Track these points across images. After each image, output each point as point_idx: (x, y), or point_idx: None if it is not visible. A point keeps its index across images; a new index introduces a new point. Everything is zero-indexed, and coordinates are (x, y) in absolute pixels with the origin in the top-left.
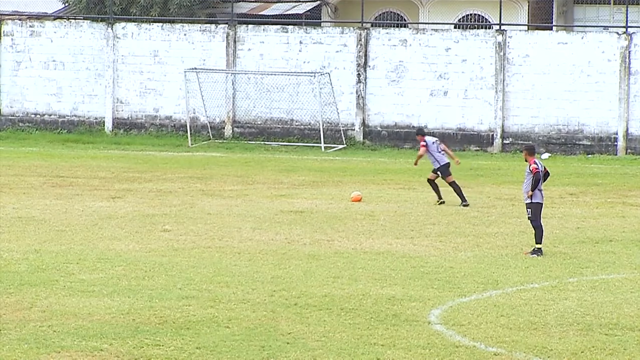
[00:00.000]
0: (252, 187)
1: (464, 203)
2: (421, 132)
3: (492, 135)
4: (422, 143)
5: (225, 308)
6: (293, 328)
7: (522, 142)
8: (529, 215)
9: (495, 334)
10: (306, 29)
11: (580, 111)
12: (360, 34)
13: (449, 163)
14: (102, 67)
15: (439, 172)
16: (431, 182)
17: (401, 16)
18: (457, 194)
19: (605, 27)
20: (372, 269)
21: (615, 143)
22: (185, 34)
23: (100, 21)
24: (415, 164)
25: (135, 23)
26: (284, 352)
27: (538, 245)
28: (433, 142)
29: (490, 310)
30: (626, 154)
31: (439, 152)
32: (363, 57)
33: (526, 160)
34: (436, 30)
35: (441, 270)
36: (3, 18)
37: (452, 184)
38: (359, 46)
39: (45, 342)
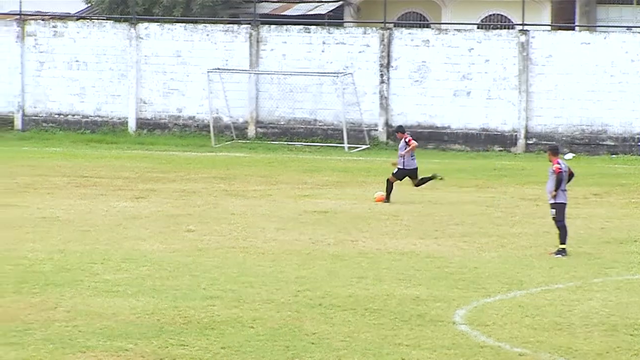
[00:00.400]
0: (275, 188)
1: (386, 200)
2: (401, 129)
3: (516, 135)
4: (409, 137)
5: (249, 308)
6: (317, 328)
7: (545, 142)
8: (553, 216)
9: (520, 334)
10: (329, 29)
11: (603, 111)
12: (383, 34)
13: (416, 169)
14: (125, 68)
15: (397, 170)
16: (423, 180)
17: (424, 16)
18: (387, 191)
19: (629, 28)
20: (397, 269)
21: (639, 143)
22: (207, 34)
23: (123, 21)
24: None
25: (158, 23)
26: (308, 352)
27: (562, 246)
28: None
29: (514, 310)
30: None
31: (411, 156)
32: (386, 58)
33: (550, 161)
34: (459, 30)
35: (465, 271)
36: (26, 18)
37: (389, 184)
38: (381, 46)
39: (70, 342)
